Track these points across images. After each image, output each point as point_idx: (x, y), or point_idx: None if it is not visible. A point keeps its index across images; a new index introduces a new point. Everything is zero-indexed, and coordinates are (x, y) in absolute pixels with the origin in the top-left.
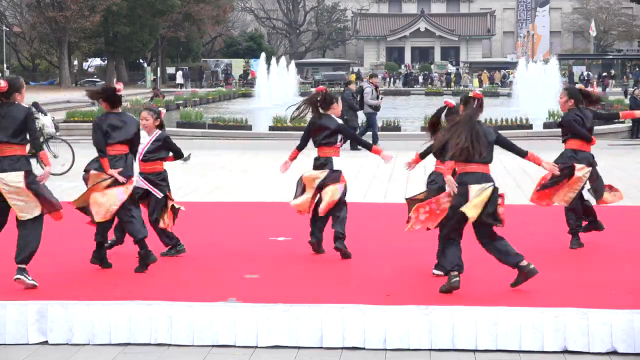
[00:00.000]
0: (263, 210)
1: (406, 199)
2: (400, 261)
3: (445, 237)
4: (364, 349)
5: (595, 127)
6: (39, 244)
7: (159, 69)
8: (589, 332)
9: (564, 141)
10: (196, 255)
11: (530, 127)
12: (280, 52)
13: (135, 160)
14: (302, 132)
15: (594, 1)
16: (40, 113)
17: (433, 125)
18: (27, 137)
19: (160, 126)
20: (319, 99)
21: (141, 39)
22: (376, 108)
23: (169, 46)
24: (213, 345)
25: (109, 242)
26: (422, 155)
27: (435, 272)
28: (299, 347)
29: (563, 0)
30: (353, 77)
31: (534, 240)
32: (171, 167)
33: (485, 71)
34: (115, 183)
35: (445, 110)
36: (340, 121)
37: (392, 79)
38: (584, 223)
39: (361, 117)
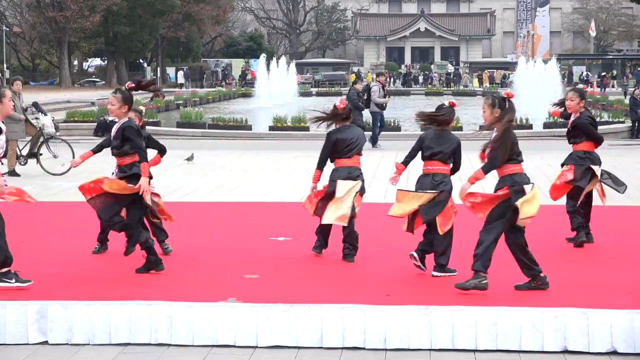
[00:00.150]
0: (263, 210)
1: (398, 190)
2: (400, 261)
3: (497, 240)
4: (364, 349)
5: None
6: None
7: (159, 69)
8: (589, 332)
9: (575, 143)
10: (196, 255)
11: (530, 127)
12: (280, 52)
13: None
14: (302, 132)
15: (594, 1)
16: (40, 113)
17: (430, 119)
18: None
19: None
20: (344, 116)
21: (141, 39)
22: (383, 106)
23: (169, 46)
24: (213, 345)
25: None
26: (406, 162)
27: (435, 274)
28: (299, 347)
29: (563, 0)
30: (353, 77)
31: (534, 240)
32: (171, 167)
33: (486, 71)
34: None
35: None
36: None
37: (392, 79)
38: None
39: (366, 115)
